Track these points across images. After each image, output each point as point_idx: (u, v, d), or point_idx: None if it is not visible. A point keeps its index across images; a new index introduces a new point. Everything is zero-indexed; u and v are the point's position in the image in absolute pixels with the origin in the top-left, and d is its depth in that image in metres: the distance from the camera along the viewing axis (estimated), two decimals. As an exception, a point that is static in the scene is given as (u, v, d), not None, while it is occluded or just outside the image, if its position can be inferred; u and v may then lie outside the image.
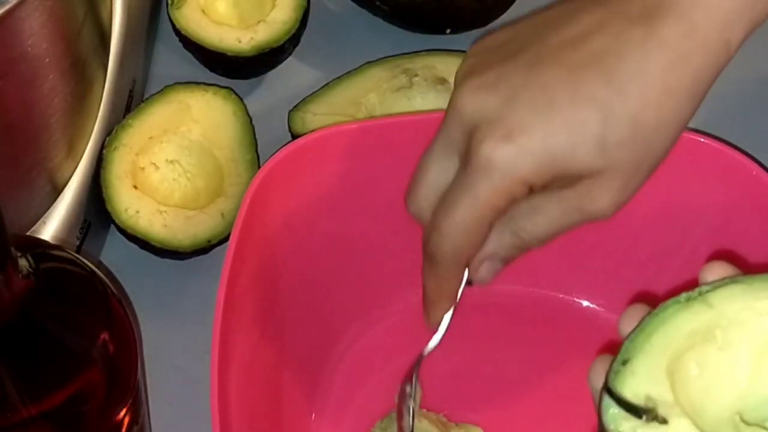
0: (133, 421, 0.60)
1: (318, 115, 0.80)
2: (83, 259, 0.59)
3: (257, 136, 0.79)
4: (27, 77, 0.66)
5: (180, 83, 0.80)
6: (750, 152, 0.72)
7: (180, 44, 0.83)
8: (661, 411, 0.52)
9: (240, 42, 0.81)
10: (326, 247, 0.73)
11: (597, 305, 0.77)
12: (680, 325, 0.53)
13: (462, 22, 0.85)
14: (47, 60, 0.66)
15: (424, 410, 0.72)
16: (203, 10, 0.83)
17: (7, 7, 0.60)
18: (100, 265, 0.77)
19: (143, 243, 0.76)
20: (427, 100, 0.81)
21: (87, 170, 0.75)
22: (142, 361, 0.68)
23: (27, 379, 0.54)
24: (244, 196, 0.68)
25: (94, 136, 0.76)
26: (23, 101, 0.67)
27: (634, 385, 0.52)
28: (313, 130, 0.72)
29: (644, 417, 0.51)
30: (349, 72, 0.82)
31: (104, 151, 0.76)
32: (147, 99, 0.80)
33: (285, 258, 0.72)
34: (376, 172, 0.72)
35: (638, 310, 0.54)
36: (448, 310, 0.65)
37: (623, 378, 0.52)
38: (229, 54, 0.81)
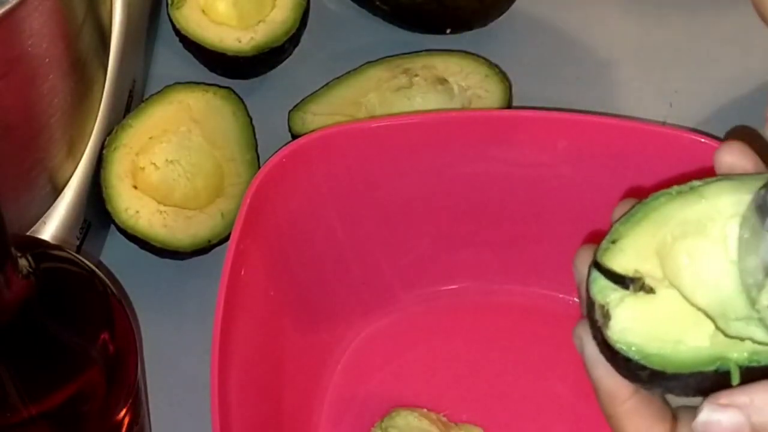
0: (133, 421, 0.60)
1: (318, 115, 0.80)
2: (83, 259, 0.59)
3: (257, 136, 0.79)
4: (27, 77, 0.66)
5: (180, 83, 0.80)
6: (750, 152, 0.72)
7: (180, 44, 0.83)
8: (649, 282, 0.51)
9: (240, 42, 0.81)
10: (326, 246, 0.73)
11: (597, 305, 0.77)
12: (671, 213, 0.53)
13: (462, 22, 0.85)
14: (47, 60, 0.66)
15: (425, 410, 0.72)
16: (203, 10, 0.82)
17: (7, 7, 0.60)
18: (100, 265, 0.77)
19: (143, 243, 0.75)
20: (427, 100, 0.81)
21: (87, 170, 0.75)
22: (142, 361, 0.68)
23: (27, 379, 0.54)
24: (244, 196, 0.68)
25: (94, 136, 0.76)
26: (23, 101, 0.67)
27: (623, 261, 0.52)
28: (313, 130, 0.72)
29: (631, 287, 0.51)
30: (349, 72, 0.82)
31: (104, 151, 0.76)
32: (147, 99, 0.80)
33: (285, 258, 0.72)
34: (376, 172, 0.72)
35: (632, 203, 0.54)
36: None
37: (612, 254, 0.52)
38: (229, 54, 0.81)
